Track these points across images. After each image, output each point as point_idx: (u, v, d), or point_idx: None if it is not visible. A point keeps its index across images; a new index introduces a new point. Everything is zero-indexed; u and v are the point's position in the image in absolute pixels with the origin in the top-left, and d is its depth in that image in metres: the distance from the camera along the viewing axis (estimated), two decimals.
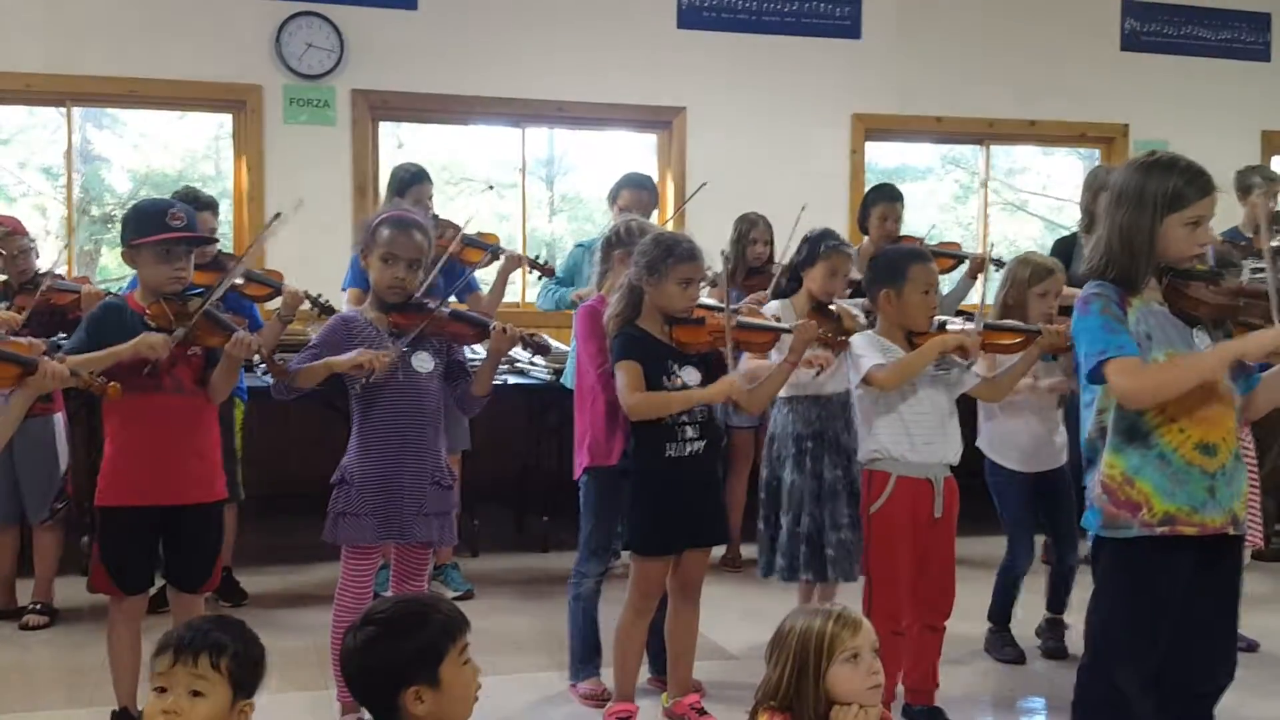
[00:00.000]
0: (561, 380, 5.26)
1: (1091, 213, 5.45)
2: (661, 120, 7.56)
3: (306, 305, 4.89)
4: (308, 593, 5.28)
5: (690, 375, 3.69)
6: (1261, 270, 2.89)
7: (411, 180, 5.35)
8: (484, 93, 7.18)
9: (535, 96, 7.27)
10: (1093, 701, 2.93)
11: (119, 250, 3.71)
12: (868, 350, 3.73)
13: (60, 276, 5.21)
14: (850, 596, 3.78)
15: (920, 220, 6.19)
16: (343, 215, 6.66)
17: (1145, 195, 2.81)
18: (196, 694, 2.24)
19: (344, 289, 5.18)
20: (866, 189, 6.59)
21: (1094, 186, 5.46)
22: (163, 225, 3.53)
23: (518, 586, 5.55)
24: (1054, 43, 8.09)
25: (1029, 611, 4.64)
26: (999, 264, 5.71)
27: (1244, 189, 6.08)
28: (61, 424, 5.00)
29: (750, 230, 5.90)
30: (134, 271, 3.73)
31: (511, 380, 5.85)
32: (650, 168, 7.29)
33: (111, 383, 3.24)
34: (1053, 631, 4.56)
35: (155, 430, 3.52)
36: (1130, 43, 8.30)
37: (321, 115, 6.94)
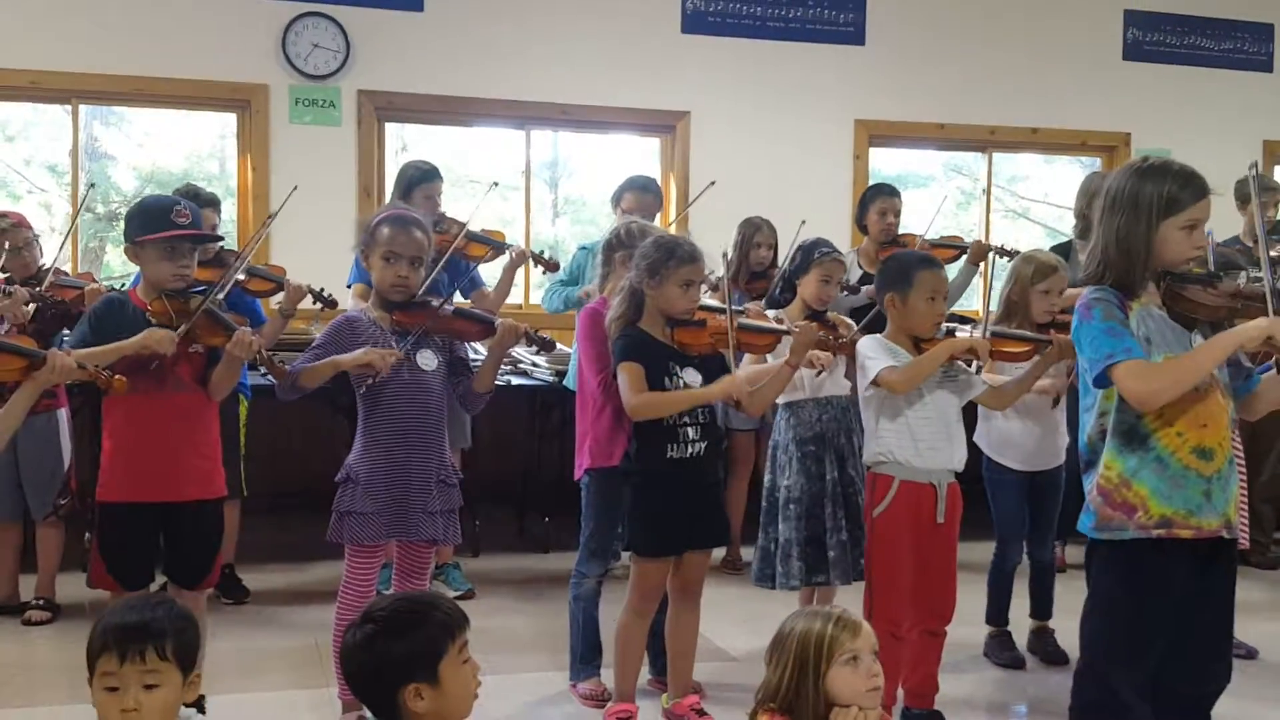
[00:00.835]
0: (564, 381, 5.27)
1: (1087, 218, 5.47)
2: (665, 124, 7.58)
3: (309, 300, 4.91)
4: (309, 590, 5.30)
5: (691, 377, 3.70)
6: (1260, 279, 2.90)
7: (421, 178, 5.36)
8: (489, 95, 7.20)
9: (540, 99, 7.29)
10: (1089, 705, 2.94)
11: (123, 247, 3.72)
12: (876, 353, 3.74)
13: (64, 272, 5.23)
14: (851, 600, 3.79)
15: (921, 225, 6.18)
16: (347, 216, 6.65)
17: (1141, 200, 2.82)
18: (150, 686, 2.23)
19: (348, 285, 5.20)
20: None
21: (1089, 192, 5.48)
22: (168, 222, 3.54)
23: (519, 587, 5.56)
24: (1056, 51, 8.11)
25: (1021, 616, 4.66)
26: (1002, 252, 5.74)
27: (1244, 198, 6.10)
28: (65, 420, 5.02)
29: (754, 234, 5.93)
30: (137, 269, 3.75)
31: (514, 381, 5.86)
32: (654, 172, 7.31)
33: (118, 376, 3.25)
34: (1042, 640, 4.59)
35: (156, 427, 3.53)
36: (1132, 52, 8.31)
37: (326, 116, 6.96)
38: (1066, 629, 4.05)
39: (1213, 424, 2.83)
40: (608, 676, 4.00)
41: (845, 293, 4.87)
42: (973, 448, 4.03)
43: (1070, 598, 4.42)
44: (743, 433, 5.85)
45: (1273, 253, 2.99)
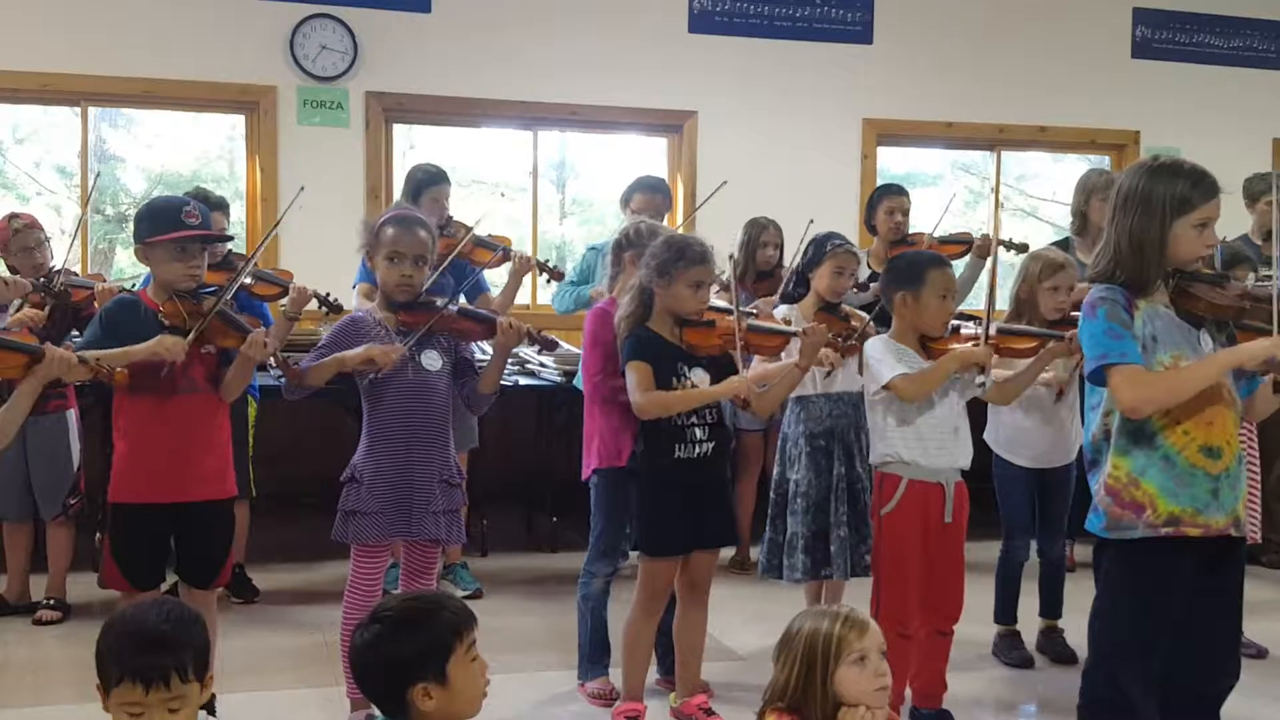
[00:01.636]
0: (573, 382, 5.28)
1: (1084, 214, 5.47)
2: (672, 124, 7.58)
3: (314, 304, 4.92)
4: (318, 589, 5.31)
5: (700, 377, 3.70)
6: (1269, 277, 2.91)
7: (429, 181, 5.37)
8: (496, 95, 7.20)
9: (547, 100, 7.29)
10: (1097, 704, 2.94)
11: (133, 249, 3.73)
12: (885, 357, 3.73)
13: (74, 273, 5.24)
14: (858, 598, 3.79)
15: (929, 225, 6.17)
16: (355, 217, 6.58)
17: (1153, 200, 2.83)
18: (173, 710, 2.18)
19: (354, 285, 5.21)
20: None
21: (1085, 189, 5.48)
22: (178, 223, 3.54)
23: (527, 586, 5.57)
24: (1065, 49, 8.10)
25: (1030, 615, 4.65)
26: (1009, 245, 5.73)
27: (1252, 196, 6.08)
28: (74, 421, 5.03)
29: (760, 234, 5.92)
30: (146, 270, 3.76)
31: (522, 381, 5.87)
32: (661, 172, 7.32)
33: (119, 369, 3.25)
34: (1051, 639, 4.59)
35: (168, 427, 3.54)
36: (1141, 50, 8.29)
37: (335, 117, 6.97)
38: (1076, 628, 4.05)
39: (1220, 422, 2.83)
40: (616, 676, 4.01)
41: (855, 290, 4.87)
42: (979, 446, 4.03)
43: (1080, 597, 4.41)
44: (751, 433, 5.85)
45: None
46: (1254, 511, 4.88)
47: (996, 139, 8.20)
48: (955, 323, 3.88)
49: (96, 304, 4.59)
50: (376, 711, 2.39)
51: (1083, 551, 5.47)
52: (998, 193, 8.35)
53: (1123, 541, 2.86)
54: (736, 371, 3.69)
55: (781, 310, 4.58)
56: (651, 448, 3.70)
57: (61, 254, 5.17)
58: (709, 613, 3.92)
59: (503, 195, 4.86)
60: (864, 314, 4.47)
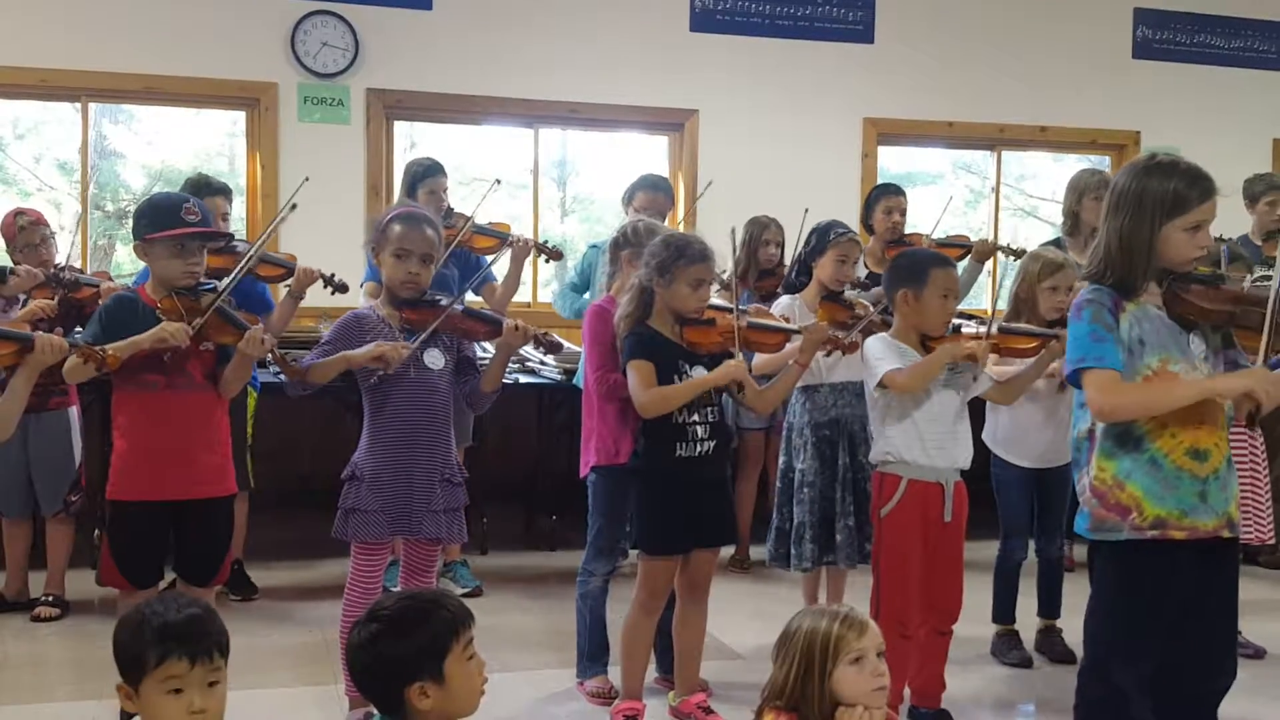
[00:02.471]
0: (573, 380, 5.28)
1: (1075, 215, 5.45)
2: (674, 122, 7.58)
3: (319, 285, 4.92)
4: (318, 587, 5.31)
5: (700, 375, 3.70)
6: (1268, 278, 2.89)
7: (425, 173, 5.39)
8: (497, 93, 7.21)
9: (548, 97, 7.29)
10: (1093, 704, 2.94)
11: (132, 245, 3.72)
12: (883, 354, 3.74)
13: (78, 269, 5.25)
14: (859, 599, 3.80)
15: (929, 224, 6.17)
16: (356, 214, 6.67)
17: (1145, 200, 2.79)
18: (212, 684, 2.24)
19: (361, 284, 5.22)
20: None
21: (1078, 189, 5.46)
22: (177, 220, 3.54)
23: (526, 584, 5.57)
24: (1066, 49, 8.10)
25: (1029, 615, 4.66)
26: (1008, 250, 5.73)
27: (1253, 197, 6.08)
28: (76, 417, 5.04)
29: (762, 233, 5.93)
30: (144, 266, 3.76)
31: (523, 379, 5.87)
32: (662, 170, 7.32)
33: (110, 352, 3.26)
34: (1049, 639, 4.59)
35: (166, 425, 3.53)
36: (1142, 50, 8.29)
37: (336, 114, 6.97)
38: (1074, 628, 4.04)
39: (1209, 424, 2.82)
40: (615, 674, 4.01)
41: (855, 289, 4.87)
42: (978, 446, 4.03)
43: (1078, 596, 4.40)
44: (752, 431, 5.85)
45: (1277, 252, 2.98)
46: (1262, 512, 4.87)
47: (997, 139, 8.20)
48: (957, 322, 3.88)
49: (101, 302, 4.60)
50: (375, 710, 2.39)
51: (1081, 551, 5.47)
52: (998, 193, 8.35)
53: (1114, 543, 2.85)
54: None
55: (783, 301, 4.59)
56: (653, 446, 3.70)
57: (63, 250, 5.17)
58: (708, 611, 3.92)
59: (498, 182, 4.86)
60: (867, 302, 4.48)
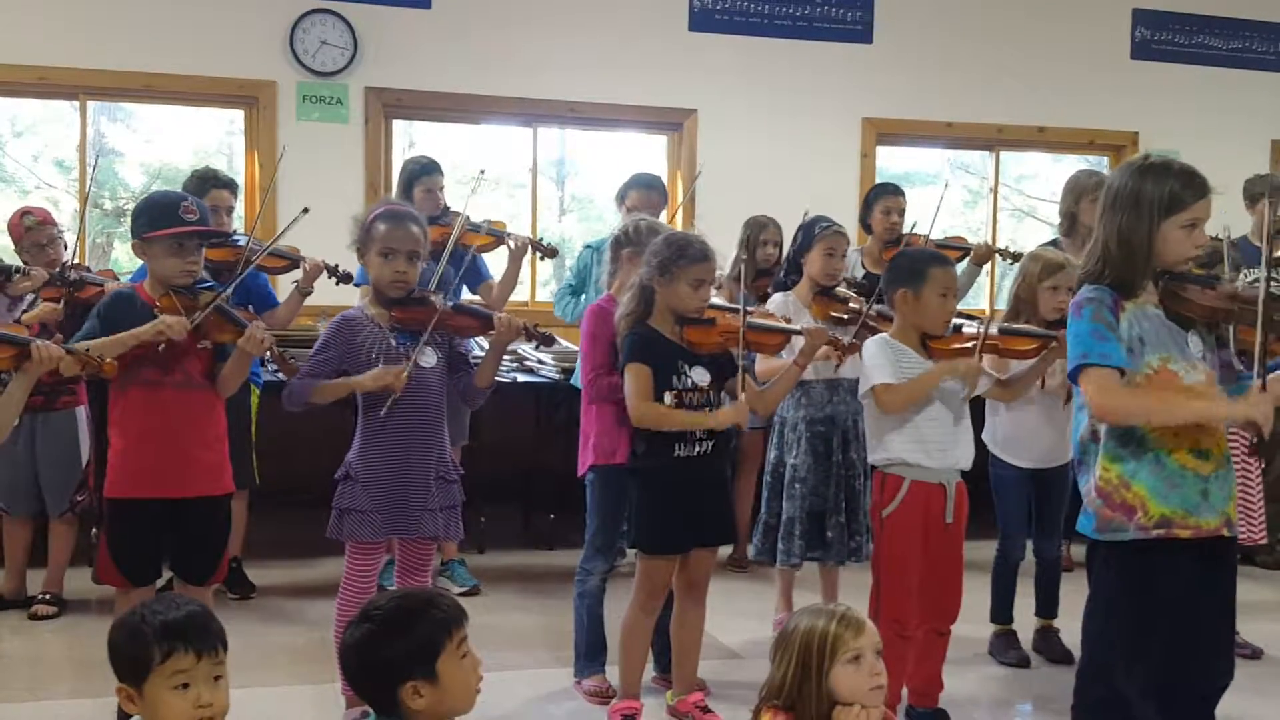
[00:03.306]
0: (571, 379, 5.27)
1: (1073, 216, 5.44)
2: (672, 122, 7.58)
3: (325, 276, 4.92)
4: (315, 586, 5.31)
5: (700, 375, 3.70)
6: (1269, 278, 2.89)
7: (421, 172, 5.39)
8: (496, 92, 7.20)
9: (547, 96, 7.29)
10: (1091, 704, 2.94)
11: (130, 243, 3.72)
12: (879, 360, 3.73)
13: (86, 269, 5.24)
14: (856, 597, 3.80)
15: (926, 224, 6.15)
16: (355, 214, 6.65)
17: (1142, 199, 2.81)
18: (217, 678, 2.25)
19: (357, 284, 5.21)
20: None
21: (1076, 190, 5.46)
22: (176, 219, 3.53)
23: (524, 583, 5.57)
24: (1064, 50, 8.10)
25: (1027, 615, 4.66)
26: (1005, 254, 5.73)
27: (1252, 198, 6.08)
28: (84, 417, 5.03)
29: (760, 232, 5.92)
30: (141, 264, 3.76)
31: (520, 378, 5.87)
32: (661, 169, 7.32)
33: (108, 360, 3.25)
34: (1047, 639, 4.59)
35: (163, 423, 3.53)
36: (1141, 51, 8.30)
37: (334, 113, 6.97)
38: (1072, 628, 4.05)
39: (1209, 425, 2.83)
40: (612, 673, 4.01)
41: (851, 288, 4.87)
42: (978, 446, 4.03)
43: (1076, 596, 4.41)
44: (751, 431, 5.84)
45: (1278, 253, 2.98)
46: (1255, 512, 4.87)
47: (995, 139, 8.20)
48: (957, 321, 3.87)
49: None
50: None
51: (1079, 551, 5.48)
52: (996, 193, 8.36)
53: (1115, 543, 2.86)
54: (736, 370, 3.69)
55: (776, 299, 4.59)
56: (652, 445, 3.69)
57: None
58: (706, 610, 3.92)
59: (482, 173, 4.86)
60: (862, 298, 4.48)
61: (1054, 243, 5.62)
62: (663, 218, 5.31)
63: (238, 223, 5.78)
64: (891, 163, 8.35)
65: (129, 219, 3.78)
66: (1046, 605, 4.63)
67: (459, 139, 7.76)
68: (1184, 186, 2.80)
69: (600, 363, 3.93)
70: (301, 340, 4.87)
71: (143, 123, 7.92)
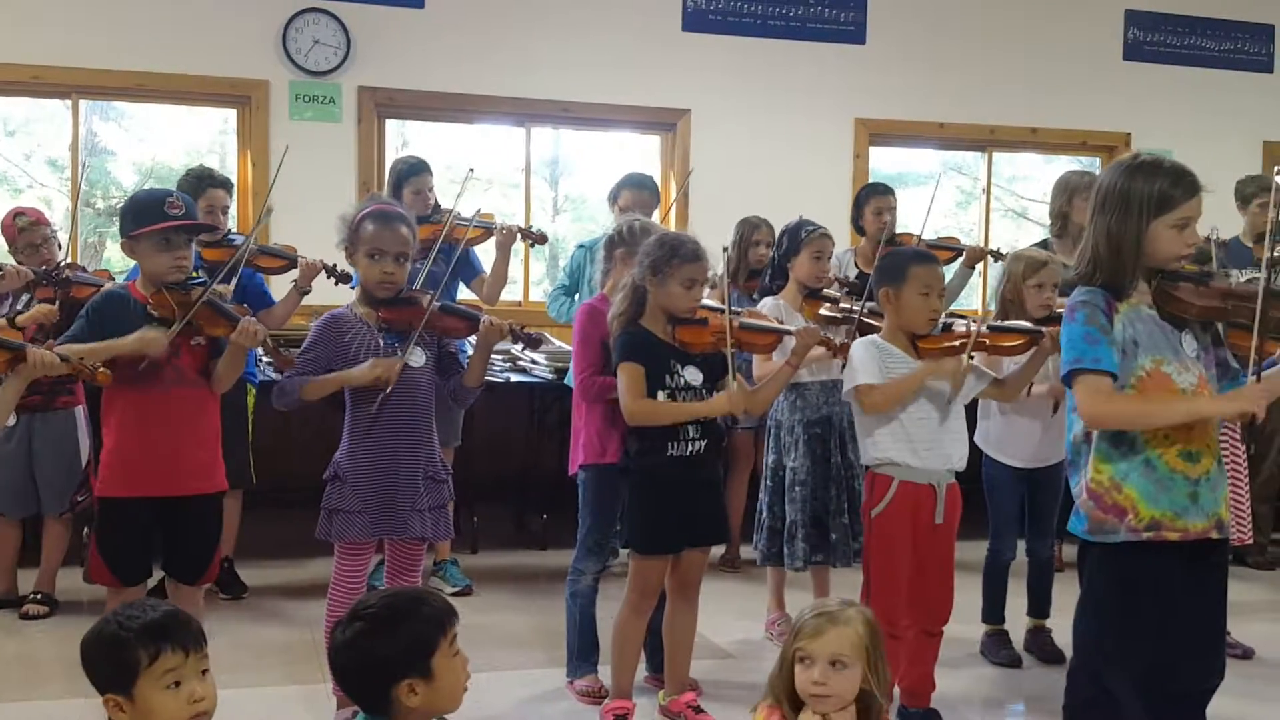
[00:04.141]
0: (564, 379, 5.27)
1: (1064, 216, 5.45)
2: (666, 122, 7.59)
3: (323, 275, 4.92)
4: (307, 586, 5.30)
5: (693, 375, 3.70)
6: (1254, 279, 2.89)
7: (410, 172, 5.39)
8: (489, 92, 7.20)
9: (540, 96, 7.29)
10: (1082, 704, 2.94)
11: (120, 242, 3.72)
12: (864, 362, 3.72)
13: (82, 268, 5.22)
14: (849, 596, 3.79)
15: (919, 224, 6.16)
16: (343, 212, 6.64)
17: (1131, 198, 2.80)
18: (204, 672, 2.25)
19: (352, 286, 5.20)
20: None
21: (1068, 190, 5.47)
22: (161, 214, 3.54)
23: (516, 583, 5.57)
24: (1057, 51, 8.12)
25: (1018, 615, 4.66)
26: (997, 255, 5.75)
27: (1244, 199, 6.10)
28: (83, 418, 5.00)
29: (753, 233, 5.91)
30: (134, 263, 3.75)
31: (513, 378, 5.86)
32: (654, 170, 7.31)
33: (101, 369, 3.25)
34: (1039, 639, 4.59)
35: (156, 421, 3.53)
36: (1133, 52, 8.32)
37: (327, 112, 6.96)
38: (1064, 628, 4.06)
39: (1200, 426, 2.83)
40: (605, 673, 4.00)
41: (842, 289, 4.87)
42: (971, 447, 4.03)
43: (1068, 597, 4.40)
44: (743, 431, 5.85)
45: (1277, 252, 2.97)
46: (1241, 513, 4.89)
47: (988, 140, 8.22)
48: (947, 320, 3.87)
49: None
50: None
51: (1070, 551, 5.48)
52: (989, 194, 8.37)
53: (1105, 544, 2.86)
54: (728, 370, 3.69)
55: (766, 304, 4.59)
56: (644, 445, 3.69)
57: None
58: (699, 610, 3.91)
59: (471, 171, 4.87)
60: (853, 297, 4.48)
61: (1045, 243, 5.64)
62: (655, 217, 5.31)
63: (232, 222, 5.76)
64: (884, 163, 8.36)
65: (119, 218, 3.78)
66: (1038, 605, 4.63)
67: (452, 139, 7.76)
68: (1174, 185, 2.79)
69: (592, 362, 3.93)
70: (297, 340, 4.86)
71: (135, 122, 7.90)
